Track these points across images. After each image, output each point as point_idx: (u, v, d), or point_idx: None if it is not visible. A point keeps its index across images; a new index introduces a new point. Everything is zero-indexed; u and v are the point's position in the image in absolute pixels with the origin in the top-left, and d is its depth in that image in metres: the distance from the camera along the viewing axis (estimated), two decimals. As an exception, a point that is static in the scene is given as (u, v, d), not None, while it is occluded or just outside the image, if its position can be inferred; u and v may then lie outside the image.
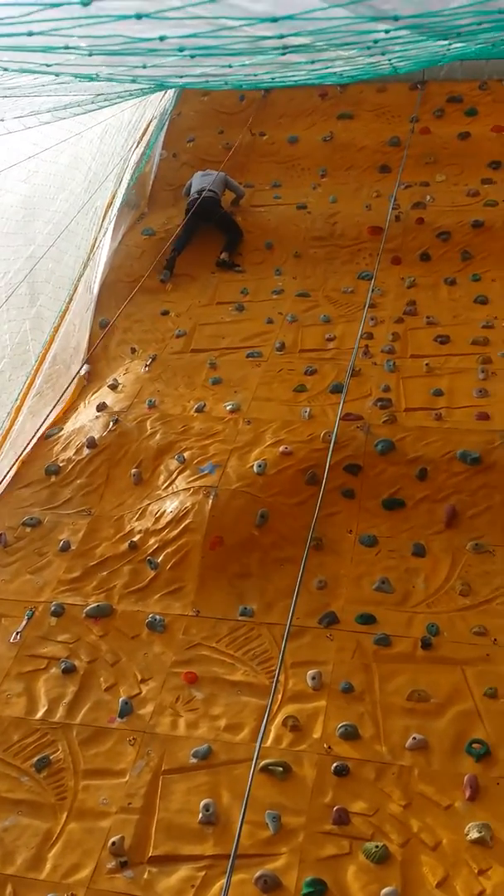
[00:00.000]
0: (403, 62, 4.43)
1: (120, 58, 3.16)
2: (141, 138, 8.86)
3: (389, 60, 4.08)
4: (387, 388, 6.86)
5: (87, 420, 7.06)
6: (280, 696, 4.87)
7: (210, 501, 5.99)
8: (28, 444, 6.58)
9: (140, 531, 6.01)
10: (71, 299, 7.59)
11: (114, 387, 7.39)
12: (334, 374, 7.13)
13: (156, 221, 9.43)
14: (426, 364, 7.07)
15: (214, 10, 2.49)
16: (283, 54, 3.45)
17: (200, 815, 4.29)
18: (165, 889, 4.03)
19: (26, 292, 6.76)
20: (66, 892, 4.06)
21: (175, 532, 5.90)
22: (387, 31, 3.27)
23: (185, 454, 6.46)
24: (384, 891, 3.90)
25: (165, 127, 10.03)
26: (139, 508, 6.21)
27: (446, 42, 3.87)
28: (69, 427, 7.10)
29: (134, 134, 8.61)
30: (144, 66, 3.36)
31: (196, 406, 6.96)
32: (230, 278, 8.68)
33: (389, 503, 6.00)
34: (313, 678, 4.92)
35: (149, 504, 6.21)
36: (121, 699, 4.92)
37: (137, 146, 8.81)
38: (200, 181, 9.18)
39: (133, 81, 4.19)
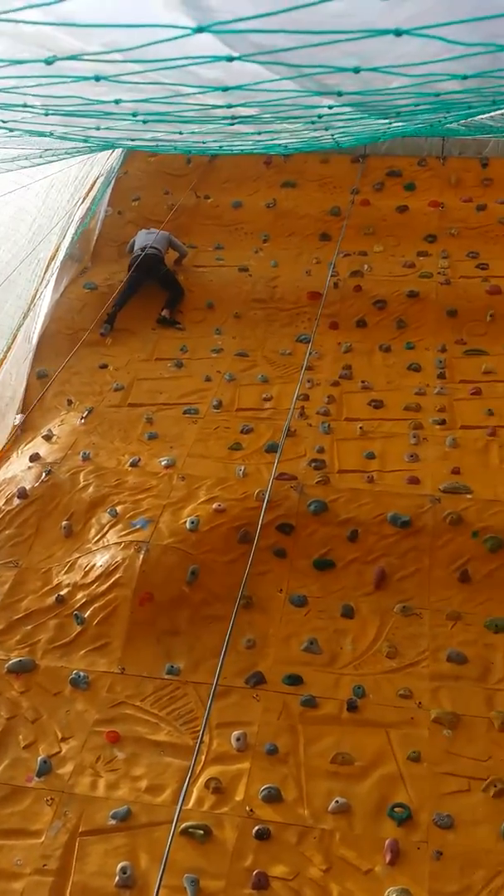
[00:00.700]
0: (346, 137, 4.60)
1: (75, 118, 3.23)
2: (87, 194, 8.97)
3: (332, 136, 4.24)
4: (321, 449, 6.96)
5: (19, 470, 6.98)
6: (203, 758, 4.80)
7: (141, 556, 5.95)
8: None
9: (68, 585, 5.93)
10: (9, 349, 7.57)
11: (48, 438, 7.34)
12: (270, 433, 7.21)
13: (98, 276, 9.50)
14: (360, 427, 7.21)
15: (171, 76, 2.57)
16: (232, 124, 3.57)
17: (117, 878, 4.18)
18: None
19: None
20: None
21: (104, 587, 5.84)
22: (330, 107, 3.40)
23: (118, 508, 6.43)
24: None
25: (112, 184, 10.18)
26: (68, 561, 6.13)
27: (386, 121, 4.05)
28: (0, 476, 7.01)
29: (80, 189, 8.71)
30: (98, 128, 3.43)
31: (131, 460, 6.95)
32: (170, 335, 8.77)
33: (320, 564, 6.04)
34: (238, 739, 4.87)
35: (78, 557, 6.13)
36: (39, 758, 4.79)
37: (83, 202, 8.91)
38: (144, 238, 9.31)
39: (85, 141, 4.27)
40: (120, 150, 9.52)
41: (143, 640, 5.58)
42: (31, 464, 7.00)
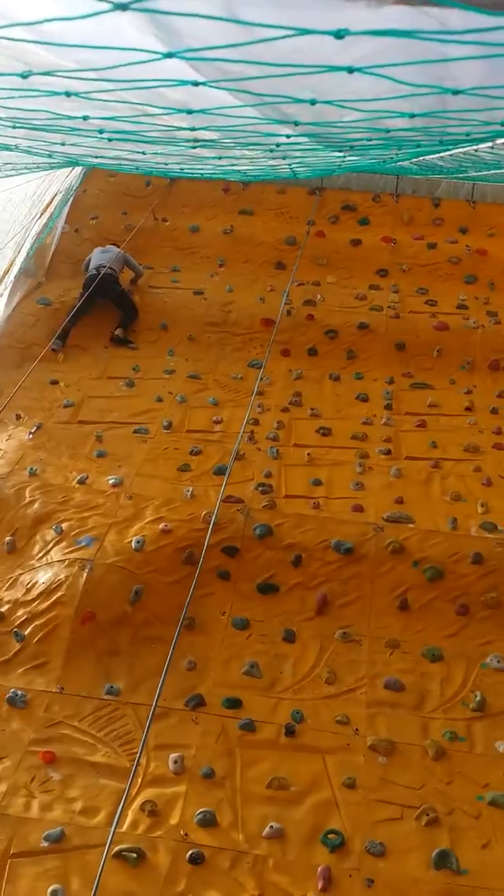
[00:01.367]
0: (302, 168, 4.72)
1: (42, 133, 3.27)
2: (44, 210, 8.97)
3: (290, 165, 4.35)
4: (269, 473, 7.02)
5: (-37, 484, 6.89)
6: (140, 780, 4.78)
7: (85, 575, 5.92)
8: None
9: (9, 601, 5.86)
10: (-41, 361, 7.50)
11: (-5, 452, 7.27)
12: (219, 456, 7.25)
13: (52, 292, 9.48)
14: (307, 454, 7.30)
15: (140, 96, 2.64)
16: (194, 147, 3.64)
17: (47, 903, 4.12)
18: None
19: None
20: None
21: (46, 604, 5.78)
22: (288, 136, 3.50)
23: (64, 525, 6.39)
24: None
25: (70, 202, 10.19)
26: (10, 578, 6.06)
27: (341, 154, 4.17)
28: None
29: (38, 205, 8.71)
30: (63, 144, 3.48)
31: (78, 477, 6.92)
32: (123, 354, 8.78)
33: (263, 587, 6.08)
34: (175, 762, 4.86)
35: (21, 574, 6.07)
36: (-28, 777, 4.71)
37: (40, 217, 8.91)
38: (100, 257, 9.32)
39: (49, 156, 4.30)
40: (80, 168, 9.55)
41: (83, 659, 5.53)
42: (-25, 478, 6.92)
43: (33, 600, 5.82)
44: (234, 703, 5.26)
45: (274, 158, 3.95)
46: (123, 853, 4.34)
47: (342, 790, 4.78)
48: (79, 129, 3.08)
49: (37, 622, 5.69)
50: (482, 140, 3.38)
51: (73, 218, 10.42)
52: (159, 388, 8.22)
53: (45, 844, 4.40)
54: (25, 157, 5.56)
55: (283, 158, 3.94)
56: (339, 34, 1.75)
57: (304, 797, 4.74)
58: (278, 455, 7.29)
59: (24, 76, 2.24)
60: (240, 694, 5.32)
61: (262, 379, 7.91)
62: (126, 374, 8.43)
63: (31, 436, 7.47)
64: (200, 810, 4.59)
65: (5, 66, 2.22)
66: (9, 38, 1.95)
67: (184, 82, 2.34)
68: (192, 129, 3.03)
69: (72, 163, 4.99)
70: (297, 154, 3.76)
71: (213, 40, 1.99)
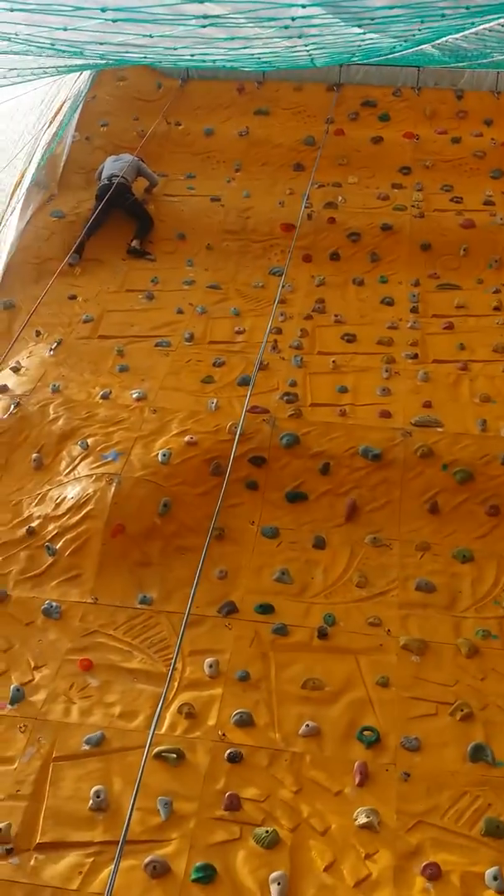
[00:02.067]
0: (320, 51, 4.47)
1: (41, 16, 3.10)
2: (53, 118, 8.68)
3: (306, 46, 4.12)
4: (293, 382, 6.93)
5: (-13, 402, 6.87)
6: (176, 684, 4.86)
7: (112, 489, 5.92)
8: None
9: (39, 517, 5.89)
10: (-25, 278, 7.39)
11: (16, 369, 7.22)
12: (242, 366, 7.16)
13: (66, 204, 9.26)
14: (332, 361, 7.17)
15: None
16: (204, 26, 3.43)
17: (91, 802, 4.24)
18: (52, 876, 3.97)
19: None
20: None
21: (76, 518, 5.81)
22: (303, 7, 3.27)
23: (89, 441, 6.37)
24: (272, 875, 3.94)
25: (79, 109, 9.85)
26: (39, 494, 6.08)
27: (360, 30, 3.91)
28: (-32, 409, 6.90)
29: (46, 113, 8.43)
30: (65, 29, 3.30)
31: (101, 393, 6.87)
32: (141, 266, 8.61)
33: (292, 496, 6.06)
34: (210, 666, 4.93)
35: (49, 490, 6.09)
36: (12, 686, 4.81)
37: (49, 126, 8.63)
38: (112, 166, 9.06)
39: (52, 47, 4.10)
40: (88, 73, 9.21)
41: (115, 571, 5.58)
42: (-1, 396, 6.89)
43: (63, 515, 5.84)
44: (266, 609, 5.30)
45: (290, 38, 3.73)
46: (163, 754, 4.44)
47: (376, 689, 4.83)
48: (81, 7, 2.90)
49: (68, 536, 5.72)
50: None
51: (83, 126, 10.10)
52: (179, 299, 8.07)
53: (86, 748, 4.51)
54: (29, 58, 5.32)
55: (299, 37, 3.72)
56: None
57: (338, 696, 4.80)
58: (302, 363, 7.17)
59: None
60: (271, 600, 5.36)
61: (283, 286, 7.72)
62: (145, 286, 8.28)
63: (51, 352, 7.40)
64: (237, 711, 4.67)
65: None
66: None
67: None
68: (201, 2, 2.85)
69: (77, 54, 4.74)
70: (314, 32, 3.54)
71: None
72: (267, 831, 4.11)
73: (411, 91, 10.34)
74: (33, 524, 5.84)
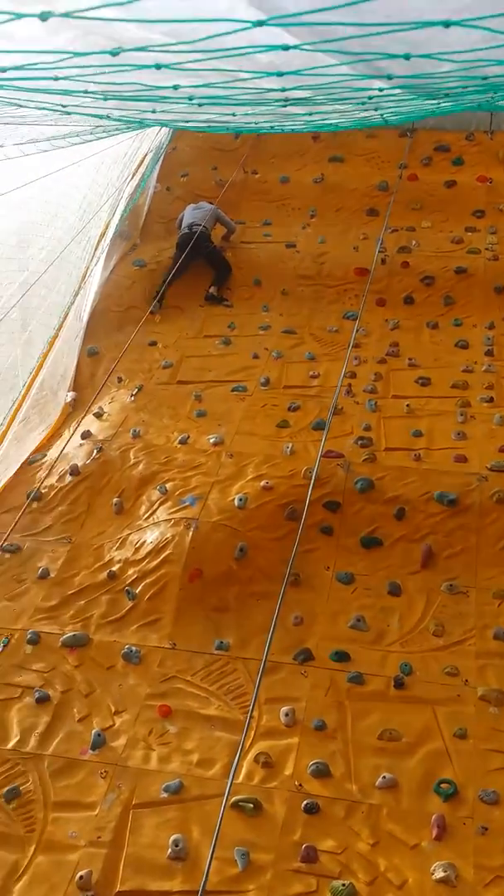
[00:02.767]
0: (394, 116, 4.60)
1: (132, 102, 3.28)
2: (136, 170, 9.00)
3: (382, 115, 4.24)
4: (368, 427, 6.97)
5: (70, 447, 7.10)
6: (253, 732, 4.91)
7: (190, 533, 6.05)
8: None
9: (119, 561, 6.05)
10: (61, 326, 7.67)
11: (99, 415, 7.45)
12: (317, 411, 7.24)
13: (147, 253, 9.56)
14: (407, 405, 7.20)
15: (231, 62, 2.62)
16: (285, 106, 3.59)
17: (169, 851, 4.31)
18: (132, 923, 4.04)
19: (18, 318, 6.82)
20: (33, 924, 4.06)
21: (154, 563, 5.95)
22: (381, 90, 3.41)
23: (168, 485, 6.52)
24: (350, 930, 3.94)
25: (160, 160, 10.19)
26: (119, 538, 6.25)
27: (435, 101, 4.03)
28: (52, 454, 7.14)
29: (129, 166, 8.74)
30: (154, 112, 3.48)
31: (180, 438, 7.04)
32: (218, 312, 8.81)
33: (367, 541, 6.08)
34: (286, 715, 4.97)
35: (129, 534, 6.25)
36: (94, 731, 4.93)
37: (132, 178, 8.94)
38: (192, 215, 9.32)
39: (140, 123, 4.32)
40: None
41: (192, 615, 5.68)
42: (82, 441, 7.12)
43: (142, 559, 5.99)
44: (342, 657, 5.32)
45: (366, 110, 3.86)
46: (240, 803, 4.49)
47: (453, 741, 4.79)
48: (169, 98, 3.08)
49: (147, 580, 5.86)
50: None
51: (163, 176, 10.43)
52: (255, 344, 8.23)
53: (165, 795, 4.58)
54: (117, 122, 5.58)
55: (376, 109, 3.85)
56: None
57: (415, 748, 4.78)
58: (377, 407, 7.22)
59: (114, 53, 2.25)
60: (347, 647, 5.38)
61: (357, 330, 7.81)
62: (222, 331, 8.47)
63: (132, 398, 7.62)
64: (313, 761, 4.69)
65: (95, 44, 2.23)
66: (101, 19, 1.96)
67: (274, 47, 2.31)
68: (283, 90, 2.99)
69: (162, 125, 4.97)
70: (390, 104, 3.66)
71: (307, 3, 1.97)
72: (344, 884, 4.11)
73: (484, 135, 10.37)
74: (114, 568, 6.00)
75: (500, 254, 8.91)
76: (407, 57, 2.50)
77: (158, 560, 5.96)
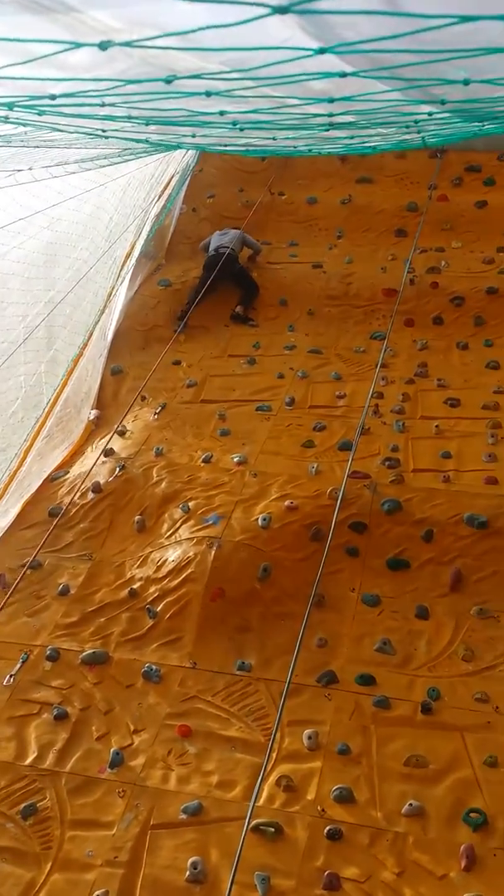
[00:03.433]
0: (435, 138, 4.54)
1: (174, 127, 3.24)
2: (162, 192, 9.02)
3: (423, 137, 4.19)
4: (395, 447, 6.86)
5: (93, 465, 7.04)
6: (275, 755, 4.76)
7: (213, 552, 5.95)
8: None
9: (140, 579, 5.96)
10: (86, 345, 7.66)
11: (122, 433, 7.40)
12: (343, 431, 7.14)
13: (172, 273, 9.56)
14: (436, 426, 7.08)
15: (282, 89, 2.57)
16: (327, 129, 3.53)
17: (188, 873, 4.17)
18: None
19: (44, 336, 6.82)
20: None
21: (176, 581, 5.85)
22: (430, 114, 3.36)
23: (190, 504, 6.44)
24: None
25: (187, 182, 10.23)
26: (141, 556, 6.16)
27: (480, 124, 3.97)
28: (75, 471, 7.10)
29: (156, 188, 8.77)
30: (193, 136, 3.44)
31: (203, 456, 6.96)
32: (243, 332, 8.76)
33: (394, 563, 5.95)
34: (309, 738, 4.82)
35: (151, 552, 6.16)
36: (112, 749, 4.82)
37: (159, 199, 8.97)
38: (218, 240, 9.32)
39: (177, 147, 4.29)
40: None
41: (214, 635, 5.57)
42: (105, 459, 7.06)
43: (164, 578, 5.89)
44: (367, 680, 5.17)
45: (408, 133, 3.80)
46: (261, 827, 4.34)
47: (483, 769, 4.62)
48: (213, 123, 3.03)
49: (168, 599, 5.76)
50: None
51: (190, 197, 10.46)
52: (280, 364, 8.16)
53: (184, 817, 4.45)
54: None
55: (418, 133, 3.79)
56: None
57: (443, 775, 4.61)
58: (404, 428, 7.11)
59: (167, 81, 2.20)
60: (373, 671, 5.23)
61: (385, 351, 7.72)
62: (247, 351, 8.41)
63: (156, 416, 7.57)
64: (337, 786, 4.53)
65: (150, 72, 2.19)
66: (158, 47, 1.91)
67: (330, 74, 2.26)
68: (330, 115, 2.94)
69: (196, 148, 4.97)
70: (434, 127, 3.60)
71: (369, 32, 1.92)
72: (368, 916, 3.95)
73: (516, 156, 10.32)
74: (135, 586, 5.91)
75: (530, 275, 8.81)
76: (466, 83, 2.46)
77: (180, 579, 5.86)
